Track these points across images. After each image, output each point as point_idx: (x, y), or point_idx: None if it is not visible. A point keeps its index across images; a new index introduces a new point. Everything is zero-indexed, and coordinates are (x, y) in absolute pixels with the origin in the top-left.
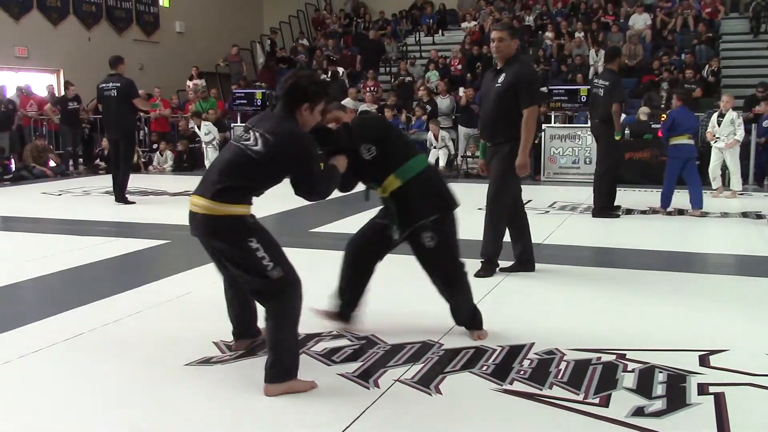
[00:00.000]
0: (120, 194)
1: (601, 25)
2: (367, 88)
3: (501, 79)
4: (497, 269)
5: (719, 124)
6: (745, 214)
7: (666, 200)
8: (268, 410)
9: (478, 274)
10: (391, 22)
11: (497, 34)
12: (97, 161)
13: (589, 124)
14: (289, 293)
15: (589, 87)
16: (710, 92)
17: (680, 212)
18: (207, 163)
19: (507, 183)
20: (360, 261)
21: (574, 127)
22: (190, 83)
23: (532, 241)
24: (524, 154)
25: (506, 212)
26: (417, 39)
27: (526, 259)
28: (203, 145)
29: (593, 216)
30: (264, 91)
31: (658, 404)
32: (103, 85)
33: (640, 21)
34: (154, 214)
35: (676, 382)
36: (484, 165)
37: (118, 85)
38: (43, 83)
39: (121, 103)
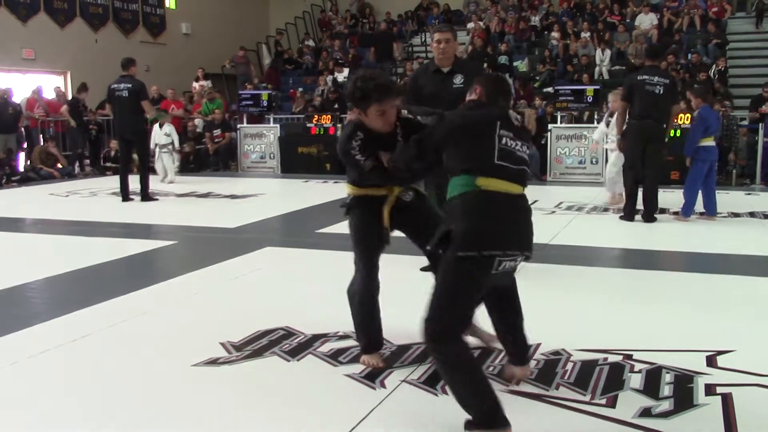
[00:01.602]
0: (145, 193)
1: (608, 25)
2: None
3: (458, 80)
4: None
5: (608, 125)
6: (752, 214)
7: (689, 208)
8: (275, 411)
9: None
10: (397, 23)
11: (442, 35)
12: (107, 163)
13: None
14: None
15: (633, 85)
16: (718, 93)
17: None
18: (158, 167)
19: None
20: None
21: (579, 127)
22: (196, 84)
23: (542, 242)
24: None
25: None
26: (423, 40)
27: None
28: (157, 148)
29: (645, 221)
30: (270, 92)
31: (666, 405)
32: (115, 85)
33: (646, 21)
34: (161, 215)
35: (684, 383)
36: None
37: (130, 86)
38: (50, 85)
39: (132, 104)
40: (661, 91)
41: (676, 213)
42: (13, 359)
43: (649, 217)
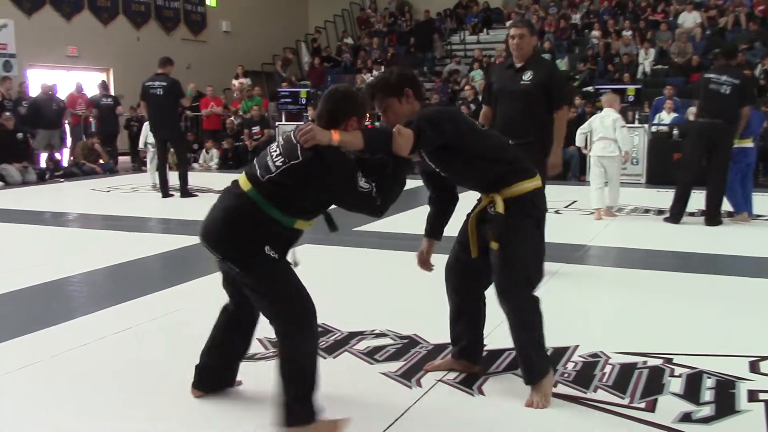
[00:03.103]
0: (184, 189)
1: (650, 24)
2: None
3: (527, 77)
4: None
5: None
6: None
7: (739, 206)
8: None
9: None
10: (435, 21)
11: (517, 31)
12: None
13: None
14: None
15: (699, 83)
16: (764, 92)
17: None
18: (150, 168)
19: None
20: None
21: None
22: (235, 82)
23: (581, 243)
24: (559, 153)
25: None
26: (462, 38)
27: None
28: (149, 147)
29: (708, 224)
30: (309, 89)
31: (706, 410)
32: (149, 83)
33: (689, 19)
34: (199, 211)
35: (725, 388)
36: None
37: (165, 84)
38: (93, 82)
39: (167, 102)
40: (728, 91)
41: (731, 214)
42: (54, 352)
43: (711, 220)
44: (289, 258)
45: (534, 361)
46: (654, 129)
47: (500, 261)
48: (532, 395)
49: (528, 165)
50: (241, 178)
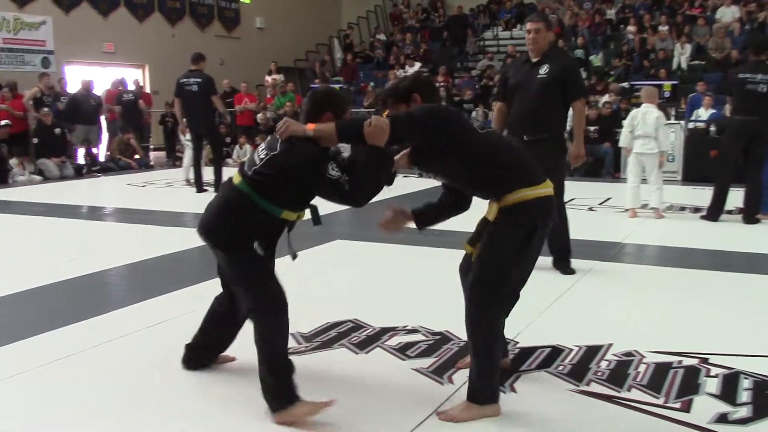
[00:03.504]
0: (219, 184)
1: (687, 19)
2: (437, 83)
3: (544, 70)
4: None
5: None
6: None
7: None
8: (342, 403)
9: (568, 272)
10: (468, 17)
11: (533, 25)
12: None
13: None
14: None
15: (732, 84)
16: None
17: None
18: (185, 163)
19: (562, 179)
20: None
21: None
22: (269, 78)
23: (615, 241)
24: (581, 145)
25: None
26: (495, 34)
27: (562, 257)
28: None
29: (747, 222)
30: (342, 86)
31: (743, 411)
32: (184, 80)
33: (728, 14)
34: None
35: (763, 389)
36: None
37: (199, 80)
38: (129, 78)
39: (202, 98)
40: (765, 90)
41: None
42: (93, 343)
43: (750, 218)
44: (288, 251)
45: (476, 384)
46: (691, 126)
47: (473, 268)
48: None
49: (534, 170)
50: (235, 172)
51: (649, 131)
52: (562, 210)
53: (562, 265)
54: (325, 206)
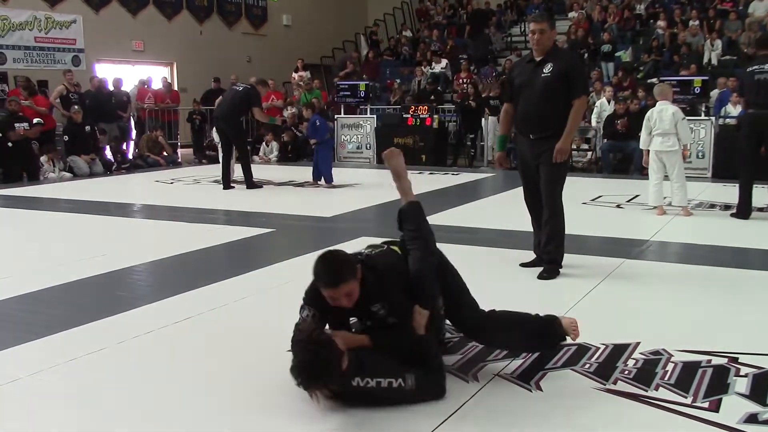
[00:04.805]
0: (249, 181)
1: (718, 13)
2: (460, 80)
3: (547, 69)
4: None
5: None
6: None
7: None
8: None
9: (543, 276)
10: (496, 13)
11: (537, 26)
12: (207, 152)
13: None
14: None
15: (743, 77)
16: None
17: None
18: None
19: (562, 180)
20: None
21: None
22: (295, 75)
23: (644, 238)
24: (568, 141)
25: (563, 207)
26: (522, 29)
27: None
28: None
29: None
30: (367, 83)
31: None
32: (235, 86)
33: (761, 8)
34: (259, 203)
35: None
36: (502, 158)
37: (248, 87)
38: (157, 76)
39: (242, 102)
40: None
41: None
42: (119, 338)
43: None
44: None
45: None
46: (720, 122)
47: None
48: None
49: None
50: None
51: (666, 128)
52: (559, 209)
53: (547, 269)
54: (349, 204)
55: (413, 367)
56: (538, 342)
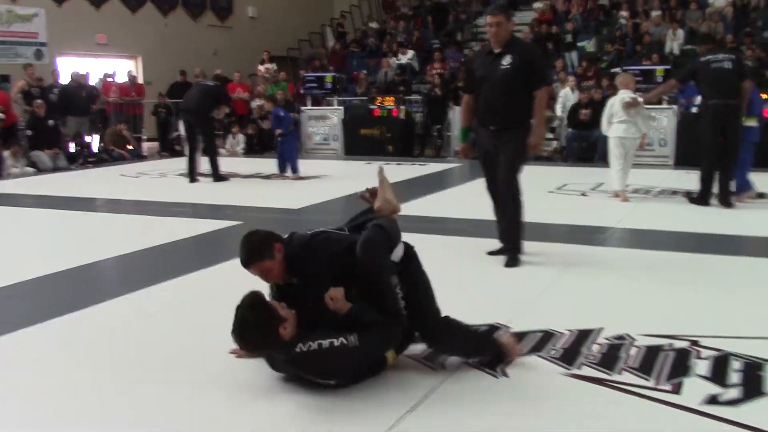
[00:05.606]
0: (216, 174)
1: (680, 3)
2: (434, 71)
3: (506, 61)
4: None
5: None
6: None
7: (746, 183)
8: (334, 392)
9: (509, 264)
10: (461, 3)
11: (494, 18)
12: (175, 146)
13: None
14: None
15: (697, 68)
16: None
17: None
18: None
19: (520, 167)
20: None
21: (648, 108)
22: (261, 67)
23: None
24: (540, 133)
25: (521, 194)
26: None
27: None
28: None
29: (724, 206)
30: (334, 74)
31: (733, 392)
32: (203, 82)
33: None
34: (226, 196)
35: (753, 371)
36: (467, 149)
37: (218, 83)
38: (122, 69)
39: (209, 95)
40: (730, 66)
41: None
42: (86, 334)
43: (727, 201)
44: None
45: None
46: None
47: None
48: None
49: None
50: None
51: (629, 117)
52: (518, 198)
53: (511, 257)
54: (316, 196)
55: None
56: (479, 357)
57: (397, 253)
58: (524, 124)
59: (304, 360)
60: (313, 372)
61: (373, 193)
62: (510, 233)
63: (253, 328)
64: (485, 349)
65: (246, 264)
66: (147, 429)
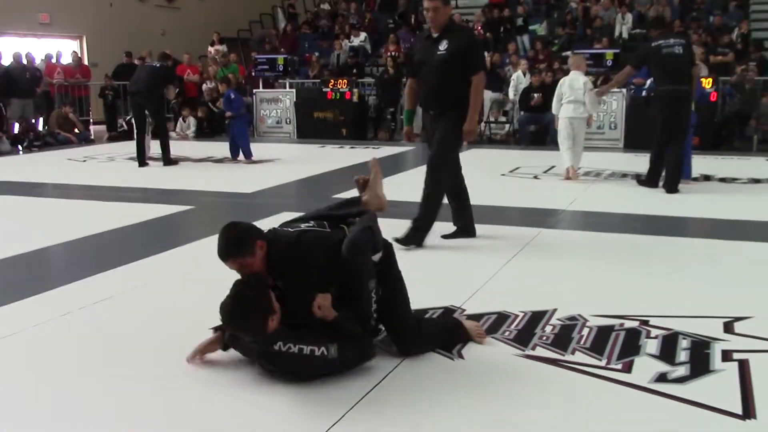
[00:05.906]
0: (167, 158)
1: None
2: (389, 53)
3: (443, 46)
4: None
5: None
6: (756, 180)
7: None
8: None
9: (402, 241)
10: None
11: (430, 3)
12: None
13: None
14: None
15: (648, 54)
16: (741, 57)
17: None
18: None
19: (451, 149)
20: None
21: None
22: (211, 49)
23: (559, 208)
24: (474, 120)
25: (447, 180)
26: None
27: (468, 228)
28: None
29: (669, 192)
30: (286, 56)
31: (681, 370)
32: (150, 63)
33: None
34: (177, 180)
35: (700, 349)
36: (410, 132)
37: (165, 64)
38: (66, 50)
39: (158, 76)
40: (681, 51)
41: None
42: (34, 322)
43: (673, 187)
44: None
45: None
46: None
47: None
48: None
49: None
50: None
51: (578, 96)
52: (437, 179)
53: (470, 234)
54: (270, 179)
55: (336, 339)
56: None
57: (377, 254)
58: (459, 109)
59: (278, 358)
60: (282, 369)
61: (364, 183)
62: (420, 211)
63: (246, 308)
64: (458, 339)
65: (223, 257)
66: (99, 414)
